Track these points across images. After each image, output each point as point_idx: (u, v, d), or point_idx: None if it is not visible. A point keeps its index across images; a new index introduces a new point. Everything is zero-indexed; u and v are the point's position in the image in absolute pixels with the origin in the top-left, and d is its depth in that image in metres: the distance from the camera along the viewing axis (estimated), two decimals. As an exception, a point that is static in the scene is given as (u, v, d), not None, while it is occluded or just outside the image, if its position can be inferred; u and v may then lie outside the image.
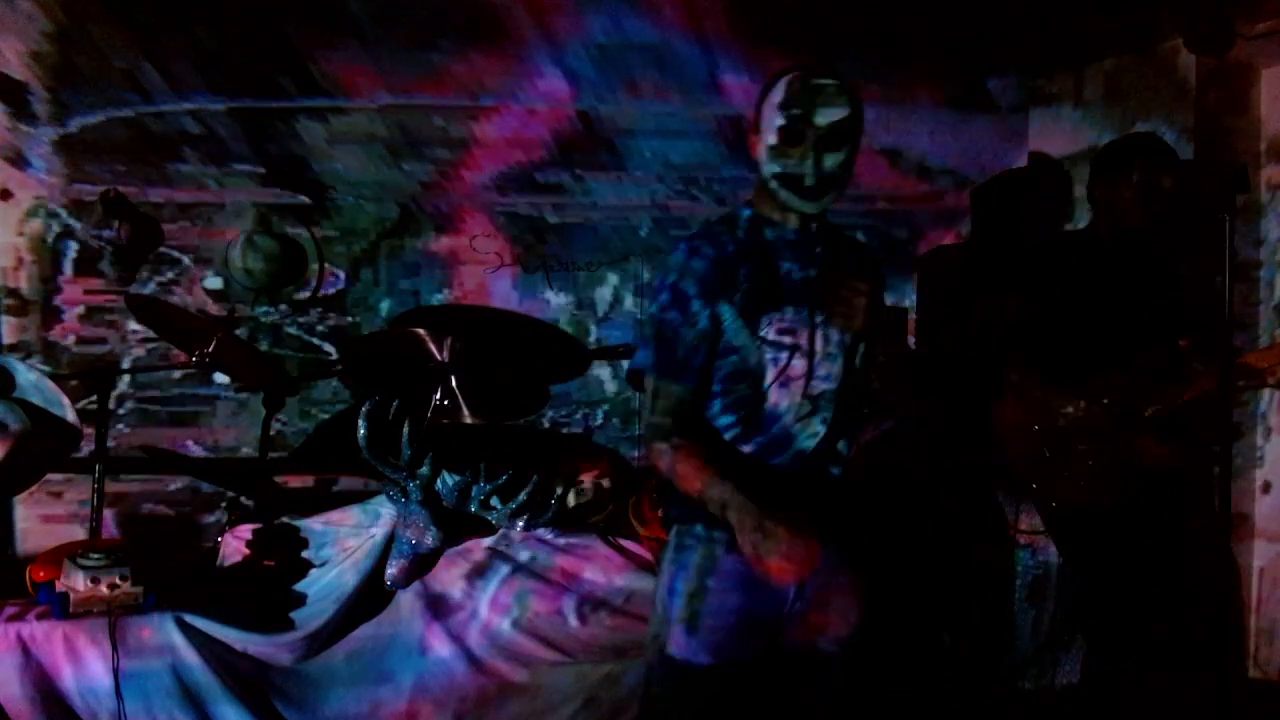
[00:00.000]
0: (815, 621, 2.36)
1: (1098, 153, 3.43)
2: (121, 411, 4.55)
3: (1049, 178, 4.50)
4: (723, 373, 2.33)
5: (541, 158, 4.68)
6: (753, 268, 2.32)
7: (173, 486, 4.59)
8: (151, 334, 4.35)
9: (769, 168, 2.31)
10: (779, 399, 2.32)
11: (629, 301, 4.80)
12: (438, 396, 3.65)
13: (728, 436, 2.32)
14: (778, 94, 2.30)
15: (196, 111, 4.48)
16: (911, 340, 4.64)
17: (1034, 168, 4.60)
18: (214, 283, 4.61)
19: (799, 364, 2.32)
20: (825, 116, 2.26)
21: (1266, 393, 3.98)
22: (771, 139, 2.30)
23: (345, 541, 3.29)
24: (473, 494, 3.15)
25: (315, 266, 4.66)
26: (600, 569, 3.29)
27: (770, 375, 2.31)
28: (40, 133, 4.40)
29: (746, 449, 2.32)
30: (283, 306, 4.66)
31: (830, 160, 2.27)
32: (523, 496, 3.15)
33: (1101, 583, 3.23)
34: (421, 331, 3.71)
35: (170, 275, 4.59)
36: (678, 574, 2.34)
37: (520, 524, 3.20)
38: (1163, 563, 3.21)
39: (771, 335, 2.31)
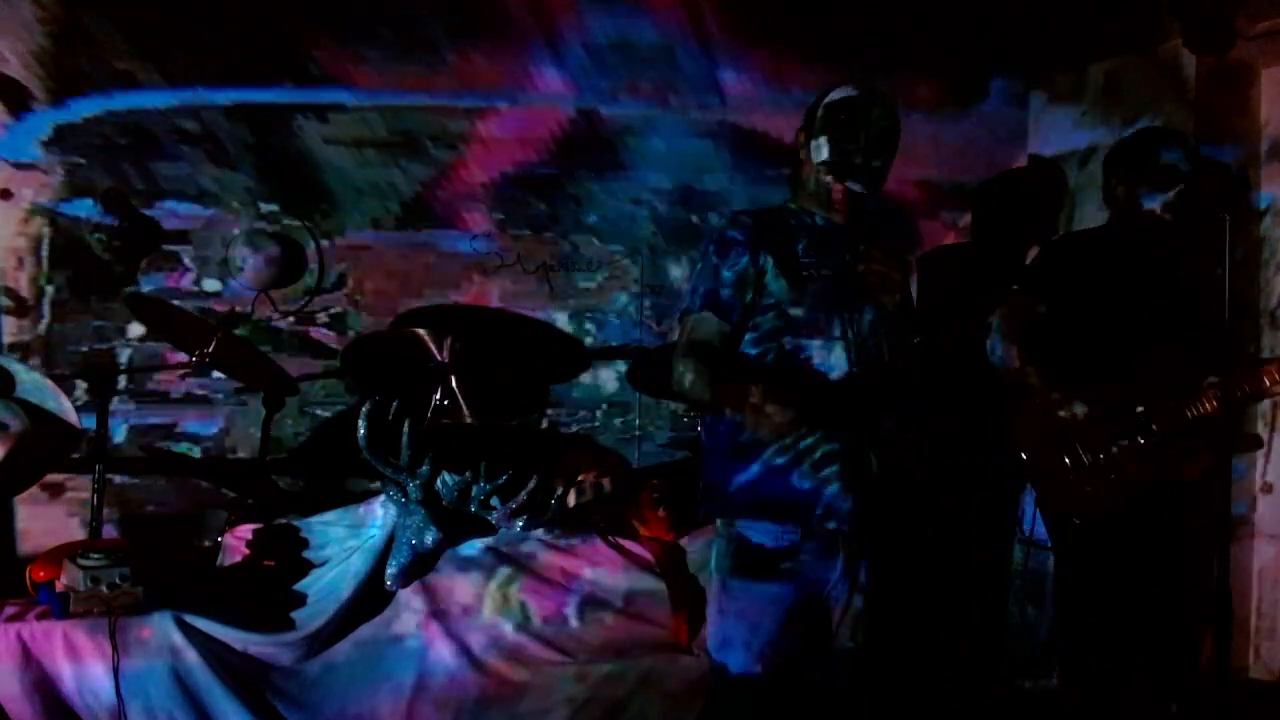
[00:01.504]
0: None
1: (1112, 149, 3.42)
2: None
3: (1048, 177, 4.50)
4: (763, 329, 2.49)
5: (542, 158, 4.68)
6: (796, 234, 2.54)
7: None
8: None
9: (822, 155, 2.53)
10: (817, 357, 2.47)
11: (629, 302, 4.79)
12: (438, 396, 3.65)
13: None
14: (835, 99, 2.56)
15: (196, 110, 4.48)
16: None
17: (1033, 167, 4.61)
18: (212, 284, 4.62)
19: (836, 326, 2.50)
20: (875, 122, 2.53)
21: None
22: (827, 135, 2.53)
23: (345, 541, 3.29)
24: (473, 494, 3.15)
25: (315, 266, 4.66)
26: (600, 569, 3.29)
27: (807, 333, 2.48)
28: (39, 130, 4.41)
29: None
30: (282, 307, 4.66)
31: (876, 160, 2.54)
32: (523, 496, 3.15)
33: (1099, 586, 3.22)
34: (421, 331, 3.72)
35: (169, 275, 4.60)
36: (711, 574, 2.53)
37: (520, 524, 3.20)
38: (1162, 565, 3.21)
39: (810, 292, 2.48)
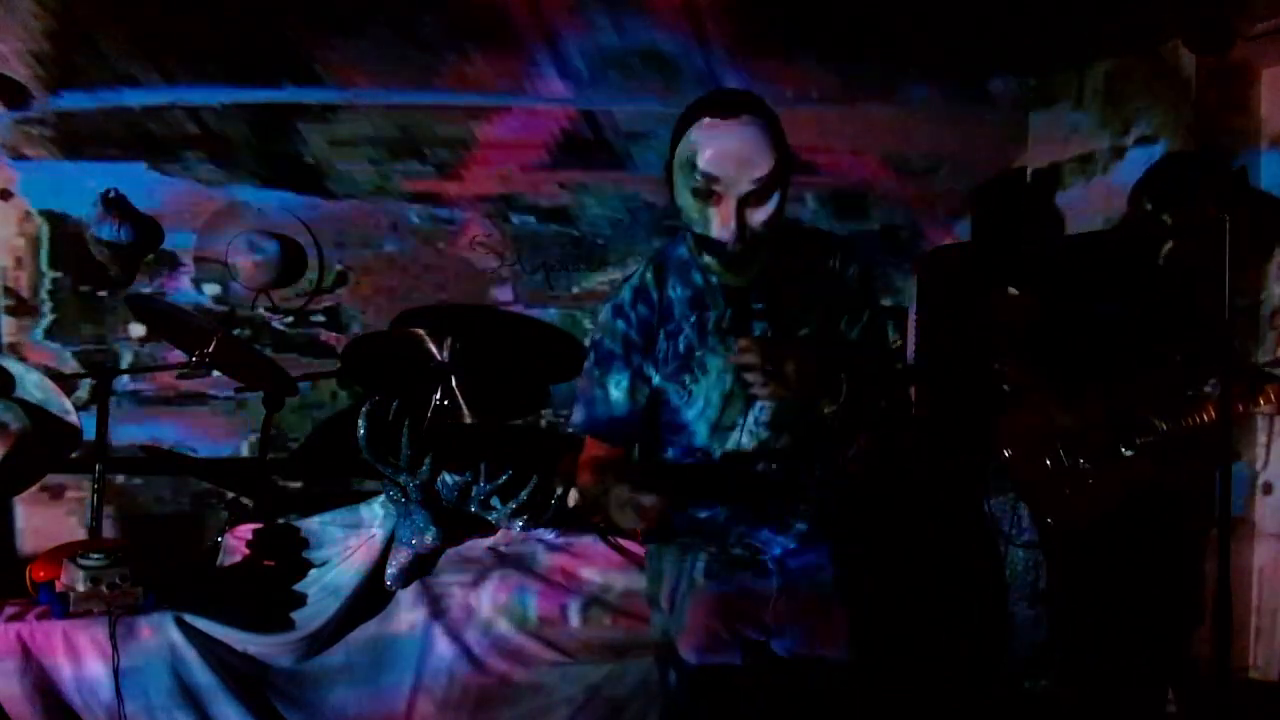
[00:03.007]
0: (802, 632, 2.36)
1: (1156, 165, 3.41)
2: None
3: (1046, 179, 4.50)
4: (664, 418, 2.27)
5: (542, 158, 4.69)
6: (678, 325, 2.19)
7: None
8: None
9: (687, 222, 2.08)
10: (719, 447, 2.24)
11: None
12: (438, 396, 3.65)
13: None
14: (689, 147, 2.03)
15: (196, 110, 4.49)
16: (911, 340, 4.64)
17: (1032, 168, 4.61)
18: (212, 288, 4.62)
19: (733, 416, 2.22)
20: (746, 174, 1.97)
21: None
22: (686, 198, 2.04)
23: (345, 541, 3.29)
24: (473, 494, 3.14)
25: (315, 266, 4.66)
26: (600, 569, 3.28)
27: (706, 430, 2.23)
28: (38, 130, 4.42)
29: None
30: (282, 306, 4.67)
31: (756, 216, 2.00)
32: (523, 496, 3.15)
33: (1092, 587, 3.22)
34: (421, 331, 3.72)
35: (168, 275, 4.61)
36: (662, 572, 2.40)
37: (520, 524, 3.20)
38: (1153, 566, 3.21)
39: (701, 390, 2.20)
